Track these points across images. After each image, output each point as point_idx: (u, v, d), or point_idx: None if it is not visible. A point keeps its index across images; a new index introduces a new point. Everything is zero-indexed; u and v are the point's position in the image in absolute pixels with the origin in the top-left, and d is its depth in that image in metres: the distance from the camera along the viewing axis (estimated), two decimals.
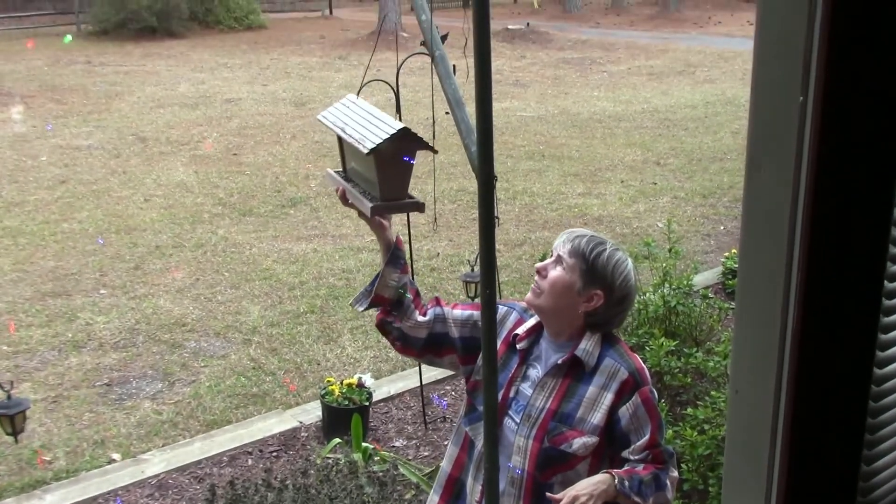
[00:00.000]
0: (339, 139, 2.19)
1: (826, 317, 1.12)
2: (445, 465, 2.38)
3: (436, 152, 2.03)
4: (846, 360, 1.19)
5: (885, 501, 1.29)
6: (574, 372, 2.18)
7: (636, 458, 2.16)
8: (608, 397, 2.14)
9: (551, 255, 2.22)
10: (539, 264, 2.23)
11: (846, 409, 1.22)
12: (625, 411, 2.14)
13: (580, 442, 2.13)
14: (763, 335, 1.13)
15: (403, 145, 1.99)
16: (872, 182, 1.11)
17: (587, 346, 2.17)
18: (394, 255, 2.23)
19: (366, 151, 1.94)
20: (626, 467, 2.17)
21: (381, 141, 1.94)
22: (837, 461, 1.23)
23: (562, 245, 2.20)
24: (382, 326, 2.30)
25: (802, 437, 1.17)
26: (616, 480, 2.07)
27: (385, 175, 2.02)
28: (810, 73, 1.03)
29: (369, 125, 2.03)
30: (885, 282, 1.18)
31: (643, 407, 2.16)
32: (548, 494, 2.11)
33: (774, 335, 1.12)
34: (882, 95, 1.08)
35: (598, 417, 2.14)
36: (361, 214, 2.18)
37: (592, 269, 2.14)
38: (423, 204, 2.14)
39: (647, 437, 2.15)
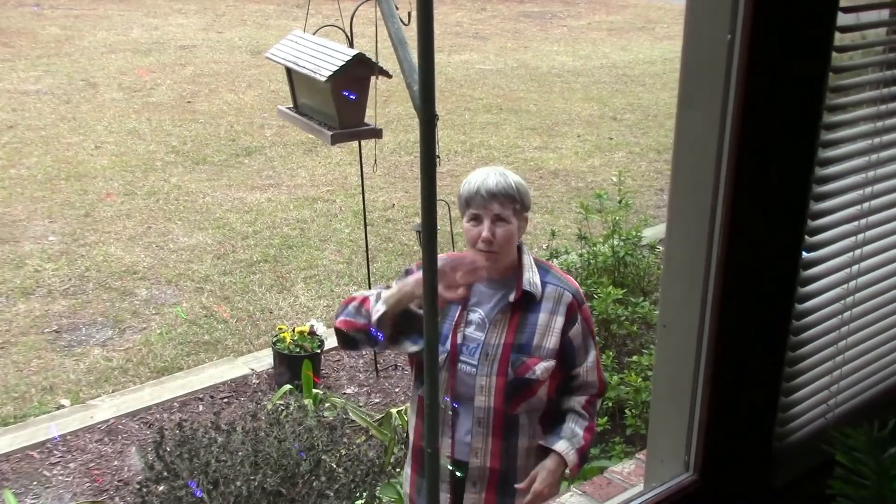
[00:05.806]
0: (289, 74, 2.18)
1: (749, 249, 1.15)
2: (412, 437, 2.43)
3: (390, 77, 2.03)
4: (768, 293, 1.22)
5: (803, 432, 1.35)
6: (521, 304, 2.23)
7: (590, 378, 2.30)
8: (559, 321, 2.23)
9: (478, 218, 2.18)
10: (486, 234, 2.17)
11: (767, 342, 1.26)
12: (575, 331, 2.25)
13: (542, 367, 2.21)
14: (689, 267, 1.16)
15: (359, 71, 2.00)
16: (796, 117, 1.14)
17: (530, 277, 2.23)
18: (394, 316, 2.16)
19: (324, 80, 1.95)
20: (572, 411, 2.29)
21: (338, 68, 1.95)
22: (757, 392, 1.28)
23: (490, 203, 2.16)
24: (348, 344, 2.38)
25: (724, 368, 1.20)
26: (570, 464, 2.23)
27: (342, 103, 2.03)
28: (738, 12, 1.05)
29: (321, 55, 2.03)
30: (808, 220, 1.21)
31: (586, 324, 2.29)
32: (516, 486, 2.23)
33: (700, 268, 1.15)
34: (806, 35, 1.10)
35: (552, 341, 2.22)
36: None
37: (522, 201, 2.23)
38: (381, 130, 2.16)
39: (593, 352, 2.30)
